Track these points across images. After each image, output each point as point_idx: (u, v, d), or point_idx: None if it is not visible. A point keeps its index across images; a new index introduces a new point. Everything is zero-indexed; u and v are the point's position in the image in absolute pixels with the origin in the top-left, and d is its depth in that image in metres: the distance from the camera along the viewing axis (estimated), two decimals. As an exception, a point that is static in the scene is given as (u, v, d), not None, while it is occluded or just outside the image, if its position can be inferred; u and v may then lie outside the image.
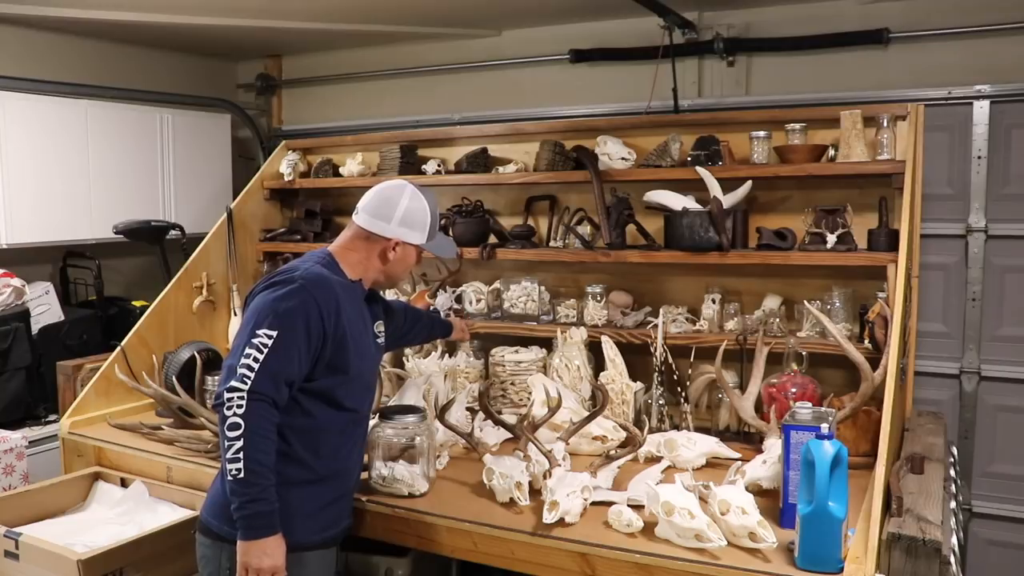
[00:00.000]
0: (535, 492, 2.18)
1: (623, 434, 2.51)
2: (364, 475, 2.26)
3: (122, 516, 2.56)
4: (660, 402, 2.79)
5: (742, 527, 1.87)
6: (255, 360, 1.86)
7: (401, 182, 2.18)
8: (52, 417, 3.50)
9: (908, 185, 2.54)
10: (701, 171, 2.84)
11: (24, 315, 3.51)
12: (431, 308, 3.31)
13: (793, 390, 2.48)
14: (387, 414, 2.33)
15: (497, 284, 3.26)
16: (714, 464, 2.44)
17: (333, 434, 2.04)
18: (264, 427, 1.86)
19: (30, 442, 3.16)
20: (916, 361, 3.11)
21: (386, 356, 3.24)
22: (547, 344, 3.08)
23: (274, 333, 1.88)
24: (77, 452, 2.90)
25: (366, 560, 2.45)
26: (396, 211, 2.10)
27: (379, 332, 2.25)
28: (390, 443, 2.28)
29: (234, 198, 3.94)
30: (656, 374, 2.80)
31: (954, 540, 2.00)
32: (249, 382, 1.84)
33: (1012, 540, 3.36)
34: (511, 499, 2.15)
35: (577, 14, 3.93)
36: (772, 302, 2.89)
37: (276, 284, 1.97)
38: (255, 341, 1.87)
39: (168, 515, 2.49)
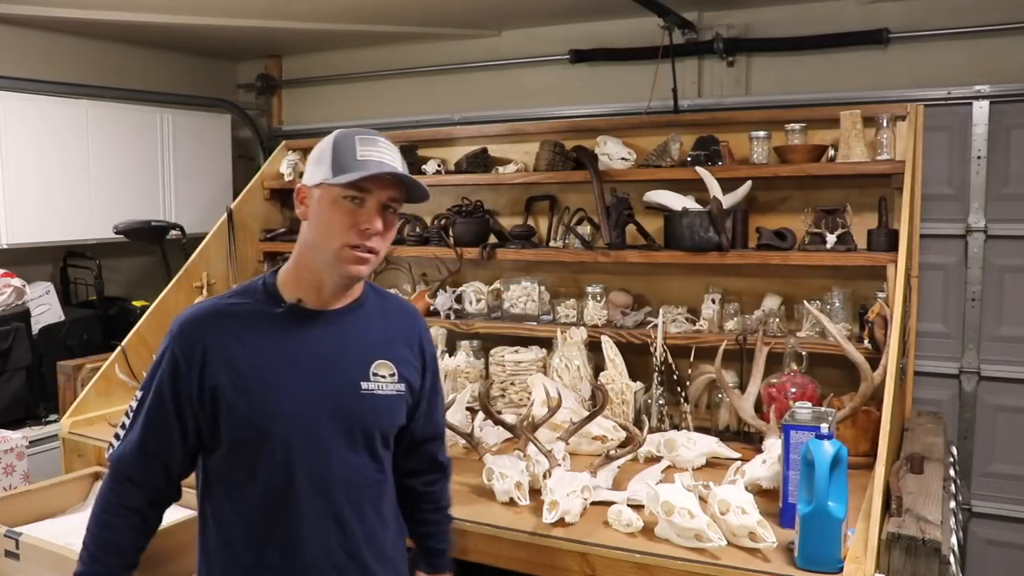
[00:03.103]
0: (535, 492, 2.18)
1: (623, 434, 2.51)
2: None
3: (122, 516, 2.56)
4: (660, 402, 2.79)
5: (742, 527, 1.87)
6: (122, 426, 1.59)
7: None
8: (52, 417, 3.50)
9: (908, 185, 2.54)
10: (701, 171, 2.84)
11: (24, 315, 3.51)
12: (430, 308, 3.32)
13: (793, 390, 2.48)
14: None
15: (497, 284, 3.26)
16: (714, 464, 2.44)
17: (252, 535, 1.55)
18: (110, 507, 1.56)
19: (30, 442, 3.17)
20: (916, 361, 3.11)
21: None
22: (547, 344, 3.08)
23: (139, 395, 1.58)
24: (77, 452, 2.90)
25: (366, 560, 2.45)
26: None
27: (381, 375, 1.62)
28: (390, 443, 2.28)
29: (234, 198, 3.95)
30: (656, 374, 2.80)
31: (954, 540, 2.00)
32: (111, 451, 1.59)
33: (1012, 540, 3.36)
34: (511, 499, 2.15)
35: (577, 14, 3.93)
36: (772, 302, 2.89)
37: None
38: (131, 404, 1.60)
39: (168, 515, 2.48)
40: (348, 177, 1.49)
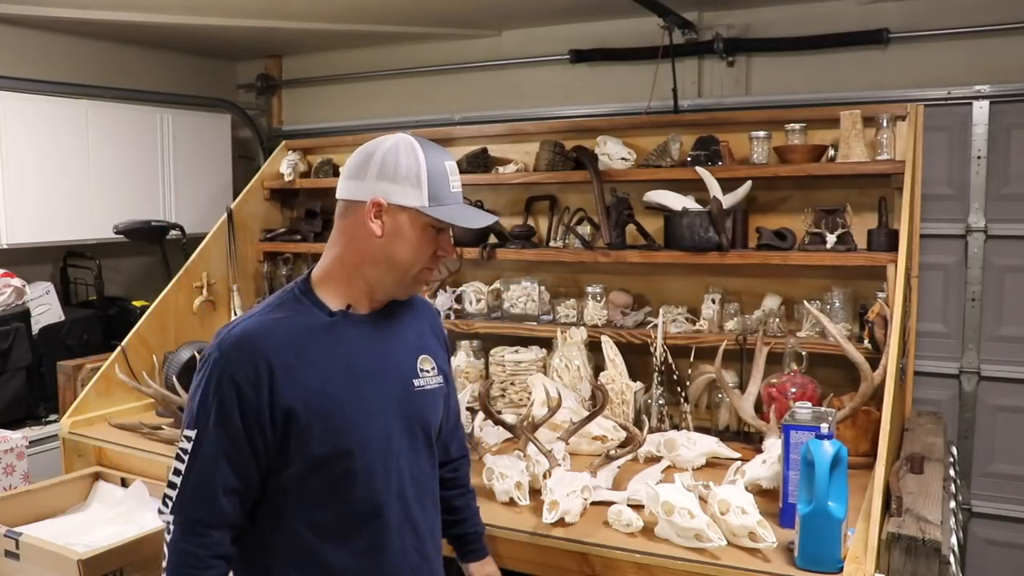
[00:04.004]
0: (535, 492, 2.19)
1: (623, 434, 2.50)
2: None
3: (122, 516, 2.56)
4: (660, 402, 2.79)
5: (742, 527, 1.87)
6: (176, 472, 1.44)
7: (393, 135, 1.56)
8: (52, 417, 3.50)
9: (908, 185, 2.54)
10: (701, 171, 2.84)
11: (24, 315, 3.51)
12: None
13: (793, 390, 2.48)
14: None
15: (497, 284, 3.26)
16: (714, 464, 2.44)
17: (331, 553, 1.50)
18: (194, 562, 1.42)
19: (30, 442, 3.17)
20: (916, 361, 3.11)
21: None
22: (547, 344, 3.08)
23: (192, 433, 1.44)
24: (77, 452, 2.90)
25: (366, 560, 2.45)
26: (372, 161, 1.50)
27: (426, 370, 1.63)
28: (390, 443, 2.28)
29: (234, 198, 3.95)
30: (656, 374, 2.80)
31: (954, 540, 2.00)
32: (171, 503, 1.44)
33: (1012, 540, 3.36)
34: (511, 499, 2.15)
35: (577, 14, 3.93)
36: (772, 302, 2.89)
37: (201, 360, 1.50)
38: (179, 447, 1.46)
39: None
40: (453, 218, 1.52)
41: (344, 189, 1.54)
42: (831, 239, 2.73)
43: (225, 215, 3.64)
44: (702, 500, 1.99)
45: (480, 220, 1.61)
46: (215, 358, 1.44)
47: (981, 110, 3.30)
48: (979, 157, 3.32)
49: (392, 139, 1.52)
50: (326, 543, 1.49)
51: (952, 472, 2.50)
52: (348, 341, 1.52)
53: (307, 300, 1.53)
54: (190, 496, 1.42)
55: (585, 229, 3.16)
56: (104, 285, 4.12)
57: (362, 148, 1.54)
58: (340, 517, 1.50)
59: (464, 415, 2.70)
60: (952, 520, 2.14)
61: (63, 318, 3.76)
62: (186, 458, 1.43)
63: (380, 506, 1.52)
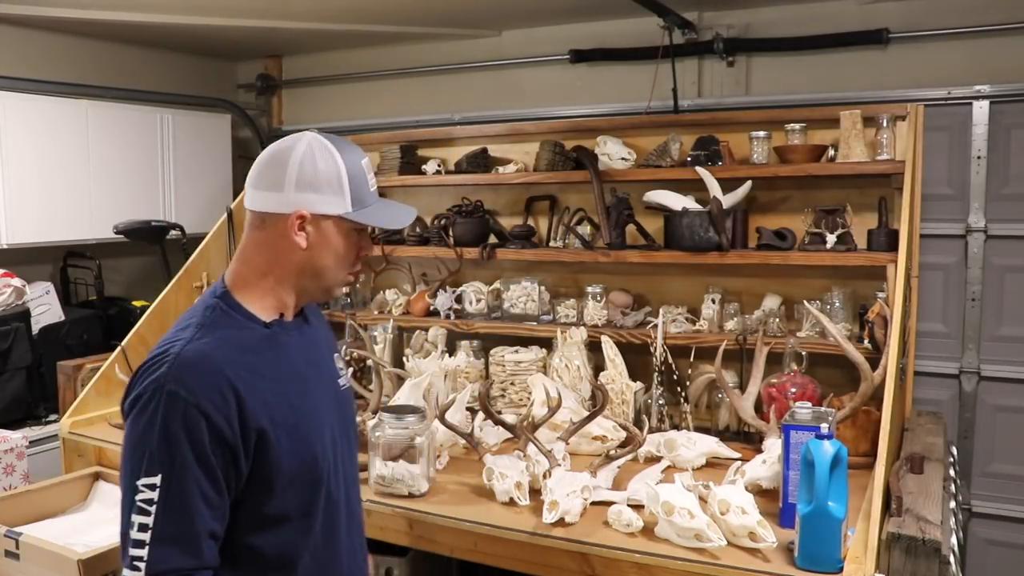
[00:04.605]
0: (535, 492, 2.18)
1: (623, 434, 2.51)
2: (363, 475, 2.07)
3: (122, 516, 2.56)
4: (660, 402, 2.79)
5: (742, 527, 1.87)
6: (142, 528, 1.26)
7: (298, 133, 1.46)
8: (52, 417, 3.50)
9: (908, 185, 2.54)
10: (701, 171, 2.84)
11: (24, 315, 3.51)
12: (430, 308, 3.32)
13: (793, 390, 2.48)
14: (387, 414, 2.33)
15: (497, 284, 3.26)
16: (714, 464, 2.44)
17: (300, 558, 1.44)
18: None
19: (30, 442, 3.16)
20: (916, 361, 3.11)
21: (385, 355, 3.24)
22: (547, 344, 3.08)
23: (155, 480, 1.27)
24: (77, 452, 2.90)
25: (366, 560, 2.45)
26: (288, 170, 1.41)
27: (341, 368, 1.63)
28: (390, 443, 2.28)
29: (234, 198, 3.94)
30: (656, 374, 2.80)
31: (954, 540, 2.00)
32: (143, 565, 1.25)
33: (1012, 540, 3.36)
34: (511, 499, 2.15)
35: (577, 14, 3.93)
36: (772, 302, 2.89)
37: (138, 396, 1.31)
38: (138, 500, 1.27)
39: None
40: (379, 220, 1.47)
41: (259, 201, 1.44)
42: (831, 239, 2.73)
43: (225, 215, 3.63)
44: (702, 500, 1.99)
45: (403, 218, 1.56)
46: (170, 390, 1.28)
47: (981, 110, 3.30)
48: (979, 157, 3.32)
49: (302, 142, 1.43)
50: (297, 556, 1.43)
51: (952, 472, 2.50)
52: (289, 350, 1.47)
53: (237, 314, 1.43)
54: (168, 551, 1.26)
55: (585, 229, 3.16)
56: (104, 285, 4.12)
57: (270, 155, 1.45)
58: (305, 529, 1.44)
59: (464, 415, 2.71)
60: (952, 520, 2.14)
61: (63, 318, 3.76)
62: (153, 508, 1.26)
63: (338, 512, 1.51)
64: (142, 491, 1.27)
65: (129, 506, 1.28)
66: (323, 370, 1.56)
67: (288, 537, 1.42)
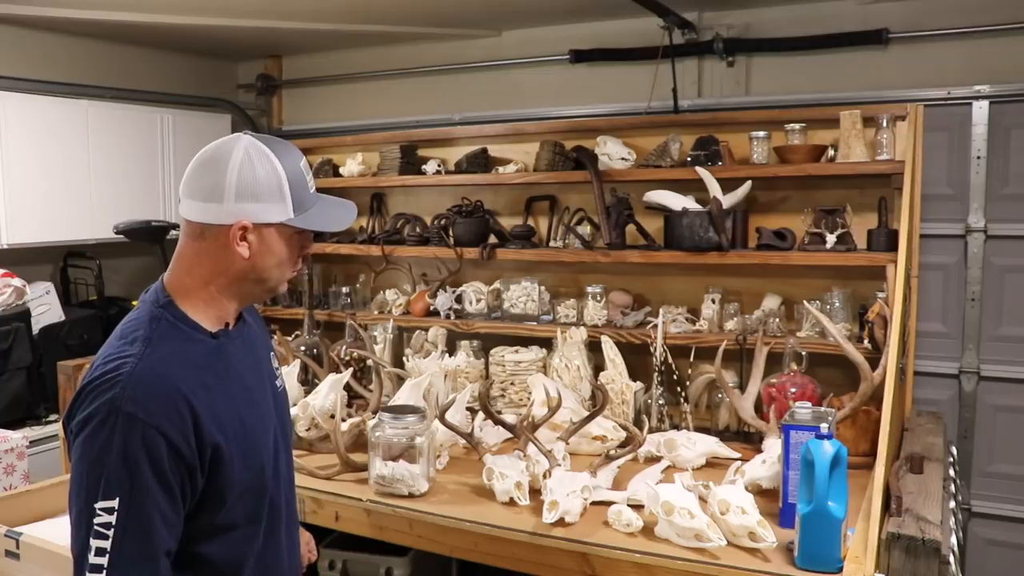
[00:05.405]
0: (535, 492, 2.18)
1: (623, 434, 2.51)
2: (363, 474, 2.15)
3: (122, 516, 2.56)
4: (660, 402, 2.80)
5: (742, 527, 1.87)
6: (100, 552, 1.24)
7: (230, 136, 1.43)
8: (53, 417, 3.50)
9: (907, 185, 2.54)
10: (701, 171, 2.84)
11: (25, 315, 3.51)
12: (431, 308, 3.32)
13: (793, 390, 2.48)
14: (387, 414, 2.34)
15: (497, 284, 3.26)
16: (714, 464, 2.44)
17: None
18: None
19: (31, 442, 3.16)
20: (916, 361, 3.11)
21: (385, 355, 3.24)
22: (547, 344, 3.08)
23: (113, 503, 1.24)
24: (77, 452, 2.90)
25: (366, 560, 2.46)
26: (227, 179, 1.38)
27: (277, 369, 1.62)
28: (390, 443, 2.28)
29: (234, 198, 3.94)
30: (656, 374, 2.80)
31: (953, 540, 2.01)
32: None
33: (1012, 540, 3.36)
34: (511, 499, 2.15)
35: (577, 14, 3.93)
36: (772, 302, 2.89)
37: (90, 416, 1.27)
38: (96, 524, 1.24)
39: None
40: (321, 224, 1.45)
41: (197, 212, 1.42)
42: (831, 239, 2.73)
43: (225, 215, 3.63)
44: (702, 500, 1.99)
45: (344, 219, 1.52)
46: (128, 411, 1.25)
47: (981, 110, 3.30)
48: (979, 157, 3.32)
49: (238, 149, 1.39)
50: (247, 563, 1.44)
51: (952, 472, 2.50)
52: (235, 359, 1.45)
53: (184, 325, 1.40)
54: (127, 574, 1.25)
55: (585, 229, 3.16)
56: (104, 285, 4.12)
57: (205, 162, 1.42)
58: (255, 533, 1.46)
59: (464, 415, 2.72)
60: (952, 520, 2.14)
61: (63, 318, 3.76)
62: (111, 532, 1.23)
63: (278, 511, 1.51)
64: (99, 514, 1.24)
65: (85, 530, 1.25)
66: (263, 374, 1.55)
67: (236, 543, 1.42)
